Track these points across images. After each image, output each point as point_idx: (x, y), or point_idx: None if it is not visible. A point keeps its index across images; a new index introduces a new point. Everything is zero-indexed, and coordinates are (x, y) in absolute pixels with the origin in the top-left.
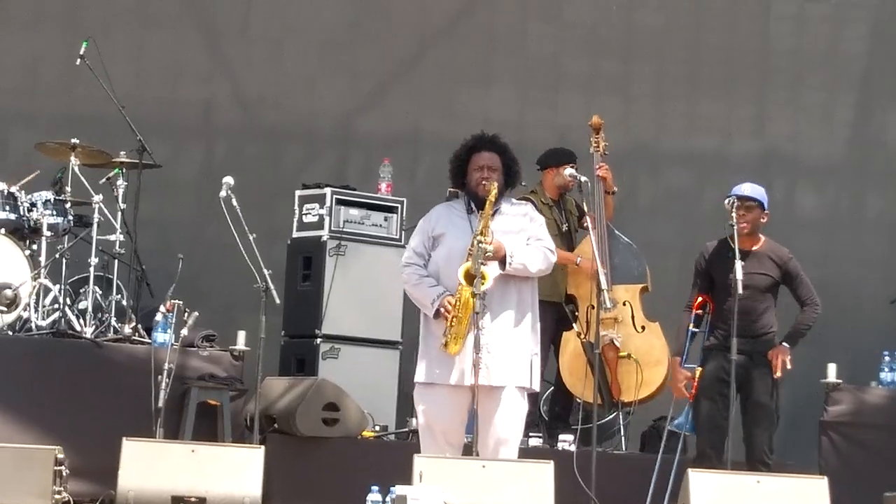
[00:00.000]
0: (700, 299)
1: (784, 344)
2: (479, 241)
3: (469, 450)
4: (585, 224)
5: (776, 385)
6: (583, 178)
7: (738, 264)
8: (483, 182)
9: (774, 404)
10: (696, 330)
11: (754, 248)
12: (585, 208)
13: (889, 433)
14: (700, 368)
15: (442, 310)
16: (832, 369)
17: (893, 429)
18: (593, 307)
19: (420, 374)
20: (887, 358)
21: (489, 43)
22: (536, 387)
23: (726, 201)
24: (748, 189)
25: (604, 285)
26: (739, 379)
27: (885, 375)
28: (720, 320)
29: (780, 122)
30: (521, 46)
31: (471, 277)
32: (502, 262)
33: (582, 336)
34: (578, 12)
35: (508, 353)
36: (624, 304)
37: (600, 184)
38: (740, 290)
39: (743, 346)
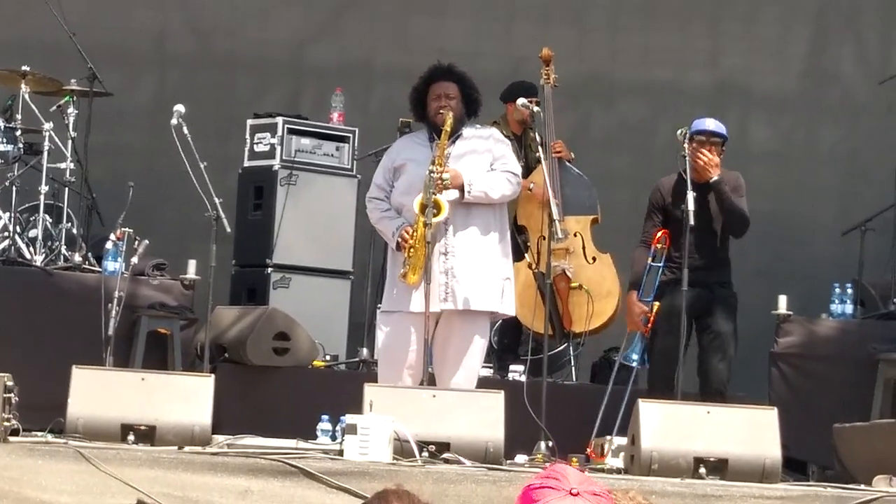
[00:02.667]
0: (660, 234)
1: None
2: (432, 171)
3: (432, 380)
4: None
5: (734, 316)
6: (534, 108)
7: (691, 195)
8: (441, 111)
9: (733, 335)
10: (657, 265)
11: (711, 180)
12: (537, 138)
13: (838, 365)
14: (657, 303)
15: (400, 240)
16: (783, 301)
17: (843, 360)
18: (544, 238)
19: (383, 303)
20: (837, 290)
21: None
22: (510, 311)
23: (679, 132)
24: (711, 124)
25: (556, 216)
26: (697, 310)
27: (836, 307)
28: (677, 254)
29: (735, 55)
30: None
31: (425, 207)
32: (461, 190)
33: (533, 266)
34: None
35: (474, 278)
36: (575, 236)
37: (550, 111)
38: (691, 221)
39: (702, 277)
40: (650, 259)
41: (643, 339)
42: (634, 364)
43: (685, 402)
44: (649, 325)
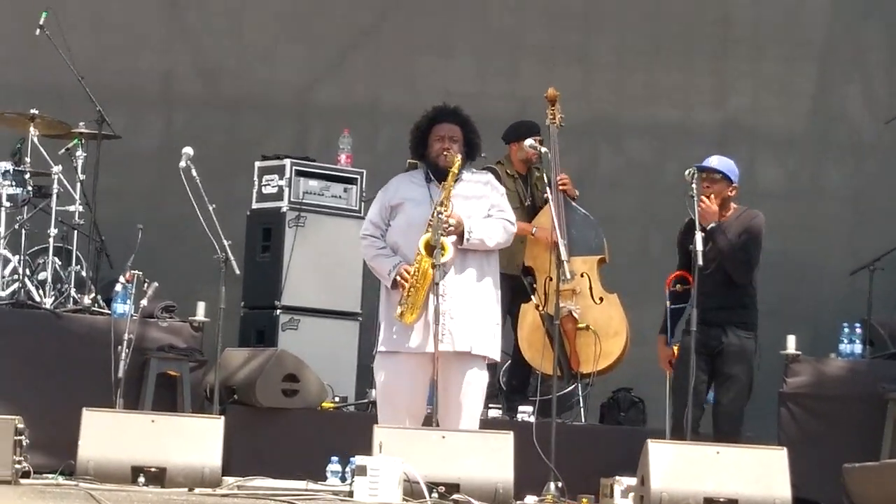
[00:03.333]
0: (674, 276)
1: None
2: (440, 213)
3: (430, 420)
4: (547, 196)
5: (749, 358)
6: (542, 149)
7: (699, 236)
8: (444, 153)
9: (747, 377)
10: (676, 306)
11: (724, 220)
12: (546, 179)
13: (848, 404)
14: (677, 346)
15: (398, 278)
16: (791, 341)
17: (852, 400)
18: (551, 279)
19: (379, 343)
20: (846, 329)
21: (449, 14)
22: (497, 356)
23: (686, 172)
24: (714, 161)
25: (563, 256)
26: (713, 350)
27: (844, 347)
28: (698, 294)
29: (741, 94)
30: (481, 17)
31: (431, 248)
32: (460, 237)
33: (540, 308)
34: None
35: (471, 320)
36: (582, 276)
37: (557, 155)
38: (700, 262)
39: (717, 317)
40: (668, 302)
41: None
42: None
43: (694, 443)
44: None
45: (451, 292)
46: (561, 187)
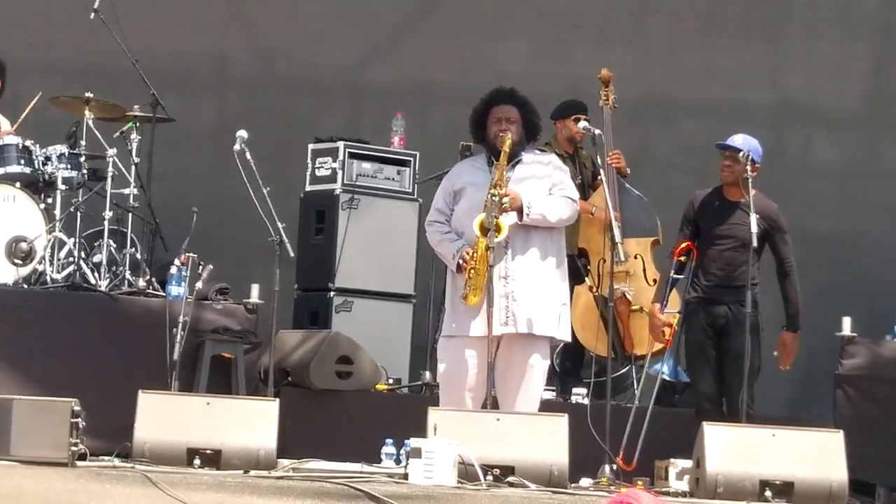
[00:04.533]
0: (683, 245)
1: (792, 331)
2: (493, 194)
3: (495, 403)
4: (600, 178)
5: (757, 335)
6: (596, 132)
7: (753, 218)
8: (500, 134)
9: (756, 355)
10: (678, 277)
11: (742, 199)
12: (599, 162)
13: None
14: (677, 315)
15: (461, 262)
16: (847, 322)
17: None
18: (605, 261)
19: (444, 327)
20: None
21: None
22: (567, 336)
23: (741, 154)
24: (738, 140)
25: (617, 238)
26: (720, 329)
27: None
28: (702, 272)
29: (795, 74)
30: None
31: (486, 230)
32: (520, 212)
33: (594, 290)
34: None
35: (534, 301)
36: (635, 258)
37: (610, 136)
38: (755, 244)
39: (724, 296)
40: (672, 271)
41: (672, 351)
42: (665, 376)
43: (750, 426)
44: (669, 338)
45: (514, 274)
46: (613, 164)
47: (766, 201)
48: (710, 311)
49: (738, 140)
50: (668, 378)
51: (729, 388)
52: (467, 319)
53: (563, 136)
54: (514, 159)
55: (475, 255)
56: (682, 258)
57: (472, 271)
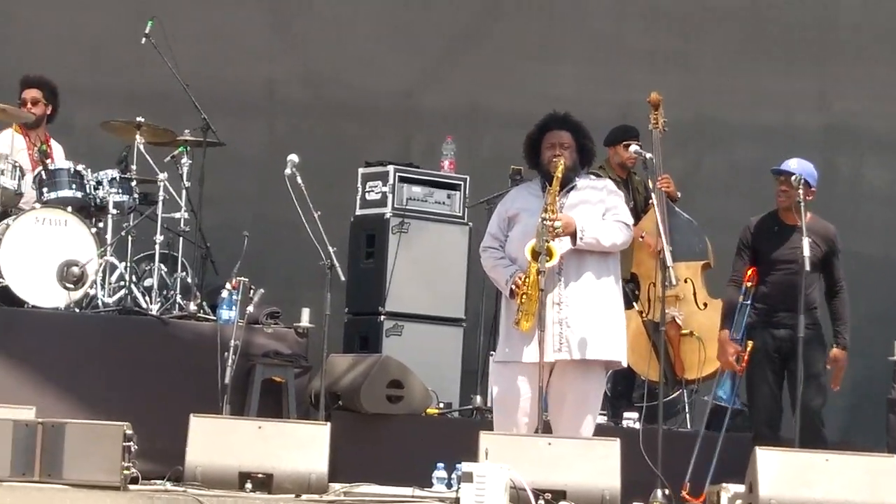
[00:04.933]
0: (751, 272)
1: (841, 349)
2: (545, 219)
3: (546, 428)
4: (652, 202)
5: (824, 357)
6: (647, 155)
7: (806, 241)
8: (554, 159)
9: (823, 377)
10: (748, 303)
11: (799, 223)
12: (650, 185)
13: None
14: (750, 342)
15: (513, 287)
16: None
17: None
18: (655, 285)
19: (497, 353)
20: None
21: (550, 19)
22: (623, 361)
23: (793, 178)
24: (793, 165)
25: (668, 262)
26: (785, 353)
27: None
28: (762, 296)
29: (845, 97)
30: (582, 22)
31: (537, 254)
32: (574, 237)
33: (644, 314)
34: None
35: (588, 326)
36: (686, 282)
37: (660, 160)
38: (808, 268)
39: (787, 320)
40: (741, 297)
41: (733, 376)
42: (724, 403)
43: (802, 450)
44: (743, 364)
45: (568, 300)
46: (663, 188)
47: (824, 224)
48: (773, 334)
49: (793, 164)
50: (729, 405)
51: (805, 409)
52: (520, 345)
53: (615, 162)
54: (567, 185)
55: (527, 280)
56: (749, 283)
57: (525, 297)
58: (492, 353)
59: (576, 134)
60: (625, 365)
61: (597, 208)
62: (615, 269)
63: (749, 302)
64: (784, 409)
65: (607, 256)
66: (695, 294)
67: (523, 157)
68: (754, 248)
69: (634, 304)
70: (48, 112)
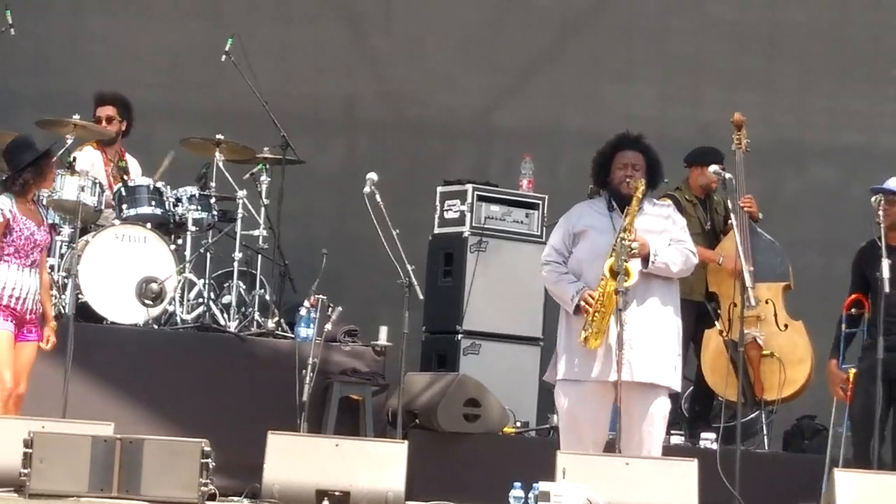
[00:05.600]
0: (851, 298)
1: None
2: (623, 238)
3: (612, 446)
4: (730, 227)
5: None
6: (727, 176)
7: (885, 262)
8: (627, 179)
9: None
10: (851, 330)
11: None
12: (730, 205)
13: None
14: (853, 371)
15: (583, 303)
16: None
17: None
18: (735, 305)
19: (560, 371)
20: None
21: (630, 38)
22: (677, 387)
23: (873, 199)
24: (891, 183)
25: (748, 283)
26: (890, 376)
27: None
28: (874, 318)
29: None
30: (662, 42)
31: (615, 273)
32: (645, 260)
33: (724, 334)
34: (720, 8)
35: (651, 350)
36: (767, 303)
37: (742, 180)
38: (887, 289)
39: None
40: (843, 326)
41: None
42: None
43: (882, 473)
44: (848, 393)
45: (633, 322)
46: (745, 209)
47: None
48: (887, 358)
49: (893, 183)
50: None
51: None
52: (588, 363)
53: (696, 182)
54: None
55: (600, 297)
56: (853, 311)
57: (596, 314)
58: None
59: (647, 156)
60: (678, 391)
61: (661, 237)
62: (676, 298)
63: (856, 329)
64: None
65: (671, 284)
66: (776, 315)
67: (591, 174)
68: (863, 273)
69: (716, 322)
70: (123, 128)
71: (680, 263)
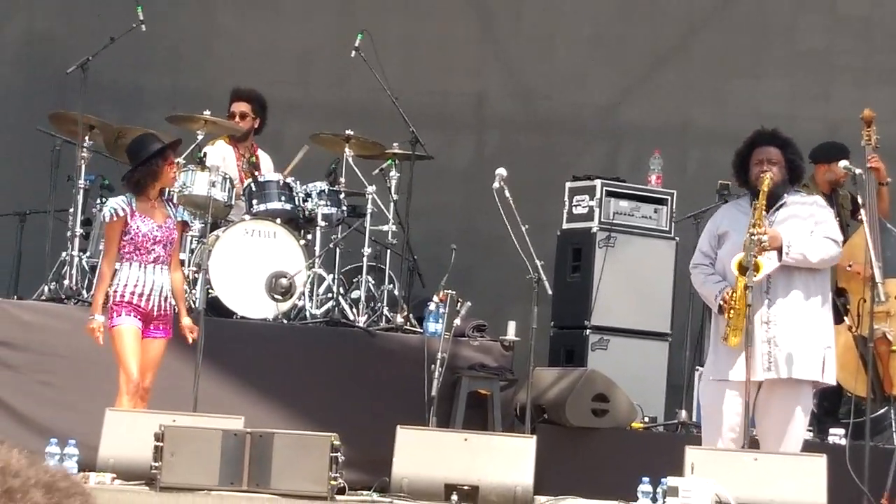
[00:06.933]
0: None
1: None
2: (752, 233)
3: (754, 444)
4: (860, 217)
5: None
6: (857, 171)
7: None
8: (761, 175)
9: None
10: None
11: None
12: (860, 200)
13: None
14: None
15: (722, 303)
16: None
17: None
18: (865, 300)
19: (706, 369)
20: None
21: (759, 33)
22: (832, 380)
23: None
24: None
25: (878, 278)
26: None
27: None
28: None
29: None
30: (791, 37)
31: (745, 269)
32: (780, 251)
33: (853, 329)
34: (851, 4)
35: (797, 345)
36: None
37: (872, 176)
38: None
39: None
40: None
41: None
42: None
43: None
44: None
45: (776, 318)
46: (872, 167)
47: None
48: None
49: None
50: None
51: None
52: (728, 362)
53: (823, 178)
54: (776, 201)
55: (734, 295)
56: None
57: (733, 312)
58: (698, 368)
59: (784, 150)
60: (832, 384)
61: (806, 223)
62: (823, 288)
63: None
64: None
65: (815, 274)
66: None
67: (732, 174)
68: None
69: (845, 318)
70: (256, 125)
71: (820, 253)
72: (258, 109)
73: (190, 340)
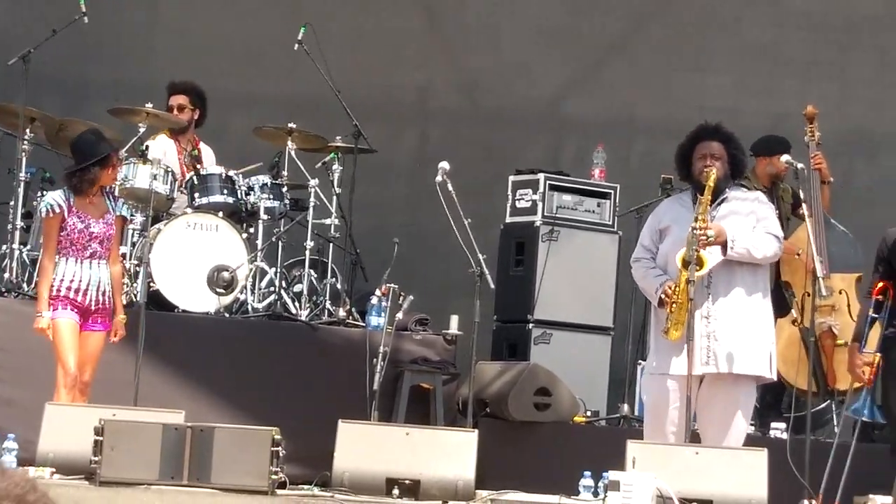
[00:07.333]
0: (880, 285)
1: None
2: (695, 228)
3: (695, 438)
4: (801, 212)
5: None
6: (799, 166)
7: None
8: (705, 170)
9: None
10: (876, 316)
11: None
12: (802, 196)
13: None
14: (878, 355)
15: (663, 296)
16: None
17: None
18: (809, 294)
19: (648, 364)
20: None
21: (704, 28)
22: (772, 375)
23: None
24: None
25: (819, 273)
26: None
27: None
28: None
29: None
30: (736, 32)
31: (688, 263)
32: (724, 246)
33: (797, 322)
34: None
35: (738, 341)
36: (840, 293)
37: (815, 172)
38: None
39: None
40: (870, 310)
41: (870, 391)
42: (864, 417)
43: None
44: (870, 377)
45: (717, 314)
46: (816, 166)
47: None
48: None
49: None
50: (866, 419)
51: None
52: (669, 356)
53: (764, 172)
54: (718, 196)
55: (677, 289)
56: (880, 297)
57: (674, 306)
58: (640, 362)
59: (727, 145)
60: (774, 379)
61: (748, 219)
62: (765, 284)
63: (881, 316)
64: None
65: (757, 270)
66: (849, 305)
67: (675, 168)
68: (889, 260)
69: (792, 310)
70: (195, 117)
71: (763, 249)
72: (196, 101)
73: (114, 339)
